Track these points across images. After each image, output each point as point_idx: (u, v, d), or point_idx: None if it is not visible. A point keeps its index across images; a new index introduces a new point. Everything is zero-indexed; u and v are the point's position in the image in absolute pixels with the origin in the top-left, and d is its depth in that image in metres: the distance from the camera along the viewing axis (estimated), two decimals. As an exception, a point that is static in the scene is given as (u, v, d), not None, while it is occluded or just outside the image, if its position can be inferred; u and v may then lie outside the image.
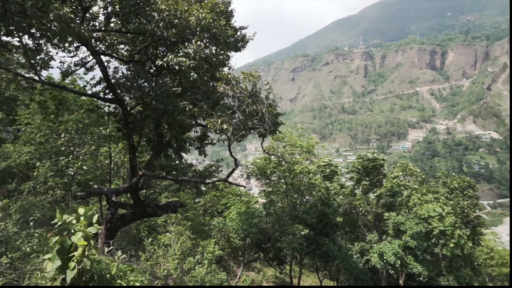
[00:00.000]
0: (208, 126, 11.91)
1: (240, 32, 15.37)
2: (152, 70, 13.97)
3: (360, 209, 26.49)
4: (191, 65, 11.22)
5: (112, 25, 12.88)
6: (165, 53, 12.92)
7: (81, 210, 4.69)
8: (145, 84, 12.66)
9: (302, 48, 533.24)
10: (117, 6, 11.68)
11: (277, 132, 17.37)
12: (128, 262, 6.49)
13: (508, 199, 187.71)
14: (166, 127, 14.72)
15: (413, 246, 20.75)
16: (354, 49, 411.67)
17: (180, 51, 11.50)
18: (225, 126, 11.59)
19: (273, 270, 25.88)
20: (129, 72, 13.35)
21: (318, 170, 24.82)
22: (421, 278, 21.32)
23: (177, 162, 16.96)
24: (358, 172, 24.09)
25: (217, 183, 25.07)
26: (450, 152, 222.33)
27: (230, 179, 16.54)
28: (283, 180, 22.78)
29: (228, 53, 14.26)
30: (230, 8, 14.33)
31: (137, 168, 13.98)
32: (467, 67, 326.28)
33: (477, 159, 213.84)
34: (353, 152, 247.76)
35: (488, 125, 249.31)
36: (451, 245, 23.39)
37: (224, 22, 12.69)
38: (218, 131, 12.68)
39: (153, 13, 11.79)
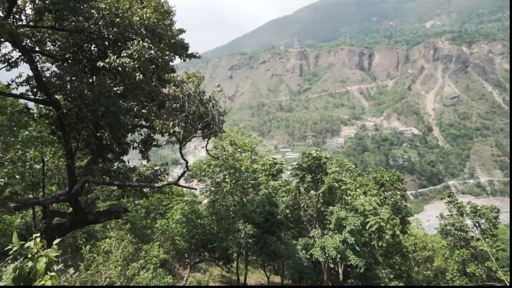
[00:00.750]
0: (158, 129, 11.31)
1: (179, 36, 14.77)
2: (87, 70, 12.84)
3: (302, 205, 27.19)
4: (136, 65, 10.52)
5: (44, 21, 11.73)
6: (104, 53, 12.02)
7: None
8: (82, 84, 11.52)
9: (239, 46, 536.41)
10: (47, 1, 10.61)
11: (223, 132, 17.05)
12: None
13: (428, 188, 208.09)
14: (107, 129, 13.59)
15: (352, 242, 21.74)
16: (289, 48, 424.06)
17: (123, 51, 10.73)
18: (177, 129, 11.11)
19: (219, 269, 25.55)
20: (62, 71, 12.12)
21: (263, 168, 24.95)
22: (358, 270, 22.49)
23: (119, 166, 15.79)
24: (302, 170, 24.66)
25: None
26: (378, 147, 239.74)
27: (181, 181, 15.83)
28: (228, 179, 22.48)
29: (172, 54, 13.69)
30: (172, 8, 13.75)
31: (75, 174, 12.74)
32: (391, 69, 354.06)
33: (401, 153, 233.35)
34: (290, 148, 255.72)
35: (410, 121, 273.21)
36: (387, 237, 24.85)
37: (169, 22, 12.20)
38: (168, 134, 12.03)
39: (91, 11, 10.85)
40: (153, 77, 12.15)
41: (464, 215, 30.36)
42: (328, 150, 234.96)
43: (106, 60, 10.70)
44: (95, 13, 11.03)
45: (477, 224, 29.67)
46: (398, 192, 30.38)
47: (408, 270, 31.32)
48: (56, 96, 12.69)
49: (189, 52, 14.71)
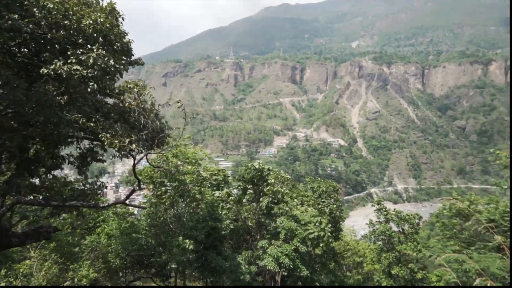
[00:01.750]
0: (106, 144, 10.39)
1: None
2: (21, 74, 11.47)
3: (242, 216, 27.19)
4: (89, 74, 9.66)
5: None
6: (41, 57, 10.85)
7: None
8: (17, 90, 10.18)
9: (174, 54, 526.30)
10: None
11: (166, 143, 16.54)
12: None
13: (353, 196, 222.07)
14: (38, 141, 12.12)
15: (304, 251, 22.30)
16: (225, 59, 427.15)
17: (72, 57, 9.80)
18: (134, 147, 10.36)
19: (156, 285, 24.36)
20: None
21: (209, 179, 24.62)
22: (303, 277, 23.03)
23: (50, 180, 14.10)
24: (244, 181, 24.75)
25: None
26: (308, 157, 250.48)
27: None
28: (170, 190, 21.65)
29: (124, 63, 12.91)
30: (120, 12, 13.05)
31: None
32: (321, 83, 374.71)
33: (329, 163, 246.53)
34: (224, 157, 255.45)
35: (337, 133, 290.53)
36: (322, 245, 25.87)
37: (122, 28, 11.52)
38: (117, 150, 11.05)
39: (33, 9, 9.80)
40: (106, 86, 11.23)
41: (390, 221, 32.73)
42: (261, 160, 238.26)
43: (51, 67, 9.62)
44: (37, 12, 10.01)
45: (401, 229, 32.14)
46: (336, 203, 31.93)
47: (342, 276, 32.85)
48: None
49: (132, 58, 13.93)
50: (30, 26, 10.44)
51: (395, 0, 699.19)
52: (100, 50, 10.37)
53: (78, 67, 9.94)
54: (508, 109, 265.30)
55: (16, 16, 10.32)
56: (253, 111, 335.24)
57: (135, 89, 13.71)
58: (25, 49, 12.08)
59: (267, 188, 25.00)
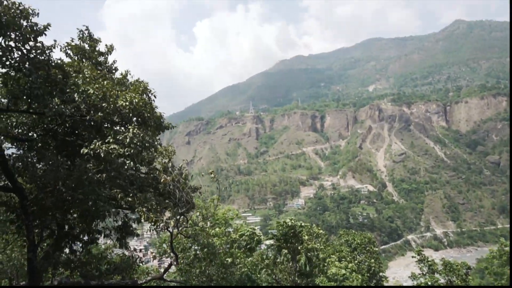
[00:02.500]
0: (145, 219, 10.22)
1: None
2: (61, 154, 11.78)
3: (277, 278, 25.53)
4: (126, 153, 9.86)
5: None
6: (82, 136, 11.28)
7: None
8: (59, 169, 10.40)
9: (196, 112, 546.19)
10: (21, 84, 10.04)
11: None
12: None
13: (389, 245, 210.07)
14: (76, 216, 12.12)
15: None
16: (245, 113, 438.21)
17: (109, 137, 10.16)
18: (172, 223, 10.19)
19: None
20: (27, 154, 11.00)
21: (239, 240, 23.51)
22: None
23: (86, 255, 13.90)
24: (277, 240, 23.51)
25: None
26: (338, 205, 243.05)
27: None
28: (199, 256, 20.74)
29: (159, 138, 13.36)
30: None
31: (37, 270, 10.86)
32: (342, 129, 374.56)
33: (360, 211, 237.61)
34: (252, 212, 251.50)
35: (364, 179, 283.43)
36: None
37: (154, 105, 11.98)
38: (154, 223, 10.94)
39: (74, 95, 10.33)
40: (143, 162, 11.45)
41: (435, 273, 29.97)
42: (289, 212, 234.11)
43: (91, 146, 10.01)
44: (77, 97, 10.45)
45: (449, 282, 29.27)
46: (373, 257, 29.79)
47: None
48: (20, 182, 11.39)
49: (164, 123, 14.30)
50: (70, 109, 10.77)
51: (405, 42, 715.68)
52: (135, 129, 10.62)
53: (116, 146, 10.20)
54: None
55: (58, 100, 10.75)
56: (277, 162, 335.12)
57: (165, 154, 13.67)
58: (65, 129, 12.44)
59: (301, 246, 23.61)
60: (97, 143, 10.20)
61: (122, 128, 10.62)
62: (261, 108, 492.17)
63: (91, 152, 10.11)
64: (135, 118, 11.54)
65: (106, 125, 11.18)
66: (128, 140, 10.00)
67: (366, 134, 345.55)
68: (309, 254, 23.48)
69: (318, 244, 28.92)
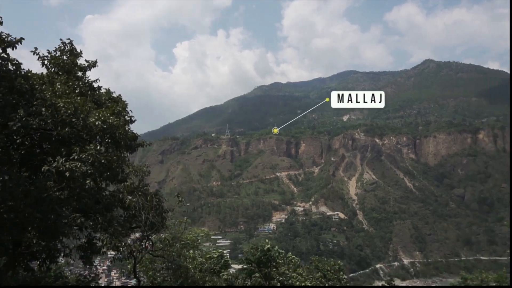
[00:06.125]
0: (107, 246, 9.93)
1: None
2: (21, 168, 11.31)
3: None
4: (89, 171, 9.60)
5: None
6: (50, 151, 10.90)
7: None
8: (17, 185, 9.93)
9: (171, 132, 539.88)
10: None
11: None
12: None
13: (358, 273, 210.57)
14: (34, 234, 11.53)
15: None
16: (221, 135, 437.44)
17: (74, 154, 9.85)
18: (136, 247, 9.97)
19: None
20: None
21: (206, 263, 23.01)
22: None
23: (42, 274, 13.12)
24: (249, 263, 23.18)
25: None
26: (309, 232, 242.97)
27: None
28: (168, 279, 20.07)
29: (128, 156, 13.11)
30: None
31: None
32: (316, 156, 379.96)
33: (330, 238, 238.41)
34: (222, 235, 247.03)
35: (336, 206, 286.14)
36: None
37: (127, 126, 11.87)
38: (117, 250, 10.62)
39: (41, 108, 10.07)
40: (105, 182, 11.11)
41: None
42: (260, 236, 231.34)
43: (54, 165, 9.63)
44: (44, 110, 10.14)
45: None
46: (339, 283, 29.92)
47: None
48: None
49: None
50: (36, 122, 10.46)
51: (379, 76, 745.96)
52: (99, 147, 10.41)
53: (78, 164, 9.84)
54: (505, 175, 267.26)
55: (22, 112, 10.39)
56: (250, 186, 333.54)
57: (139, 173, 13.43)
58: (30, 142, 12.03)
59: (274, 271, 23.37)
60: (61, 160, 9.82)
61: (91, 145, 10.31)
62: (237, 131, 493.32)
63: (53, 169, 9.70)
64: (106, 136, 11.30)
65: (73, 141, 10.85)
66: (91, 158, 9.73)
67: (339, 162, 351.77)
68: (281, 278, 23.29)
69: (291, 270, 28.78)
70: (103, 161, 10.10)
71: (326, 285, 30.74)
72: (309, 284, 29.77)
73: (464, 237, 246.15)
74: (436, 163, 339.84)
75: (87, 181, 9.78)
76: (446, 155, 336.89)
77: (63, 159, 9.73)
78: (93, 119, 10.43)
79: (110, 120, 10.79)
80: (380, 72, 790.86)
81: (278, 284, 22.77)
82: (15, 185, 10.17)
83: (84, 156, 9.93)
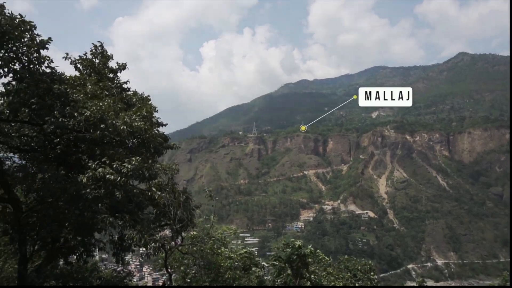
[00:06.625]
0: (137, 242, 10.26)
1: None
2: (59, 166, 11.86)
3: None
4: (122, 182, 9.97)
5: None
6: (83, 148, 11.40)
7: None
8: (56, 182, 10.41)
9: (199, 130, 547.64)
10: (21, 95, 10.28)
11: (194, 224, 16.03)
12: None
13: (389, 273, 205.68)
14: (70, 229, 12.05)
15: None
16: (248, 134, 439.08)
17: (105, 158, 10.24)
18: (167, 241, 10.22)
19: None
20: (28, 164, 11.09)
21: (236, 259, 23.19)
22: None
23: (78, 269, 13.76)
24: (280, 261, 23.11)
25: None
26: (337, 230, 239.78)
27: None
28: (199, 274, 20.35)
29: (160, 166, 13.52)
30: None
31: (27, 284, 10.75)
32: (344, 154, 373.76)
33: (360, 237, 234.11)
34: (250, 233, 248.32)
35: (365, 205, 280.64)
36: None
37: (156, 131, 12.18)
38: (145, 246, 10.95)
39: (74, 112, 10.51)
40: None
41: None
42: (288, 235, 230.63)
43: (91, 174, 10.13)
44: (76, 114, 10.62)
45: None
46: (370, 283, 29.31)
47: None
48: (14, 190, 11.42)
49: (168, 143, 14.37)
50: (71, 124, 10.87)
51: (410, 71, 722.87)
52: (134, 161, 10.61)
53: (110, 173, 10.03)
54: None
55: (58, 113, 10.85)
56: (277, 184, 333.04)
57: (168, 171, 13.72)
58: (66, 142, 12.55)
59: (305, 270, 23.18)
60: (99, 170, 10.20)
61: (121, 149, 10.69)
62: (264, 129, 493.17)
63: (90, 177, 10.09)
64: (134, 140, 11.62)
65: (106, 142, 11.24)
66: (124, 170, 10.07)
67: (368, 160, 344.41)
68: (312, 277, 23.10)
69: (321, 269, 28.54)
70: (136, 173, 10.44)
71: (357, 284, 30.25)
72: (340, 285, 29.38)
73: (503, 237, 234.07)
74: (472, 160, 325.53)
75: (117, 194, 10.13)
76: (482, 152, 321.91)
77: (96, 163, 10.08)
78: (120, 123, 10.71)
79: (135, 124, 11.03)
80: (411, 67, 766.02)
81: (308, 283, 22.58)
82: (54, 183, 10.66)
83: (116, 166, 10.22)
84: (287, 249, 22.70)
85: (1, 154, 12.23)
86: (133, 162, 10.27)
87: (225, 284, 20.86)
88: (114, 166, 10.11)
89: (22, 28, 9.61)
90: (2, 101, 10.67)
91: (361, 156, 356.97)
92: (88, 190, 10.53)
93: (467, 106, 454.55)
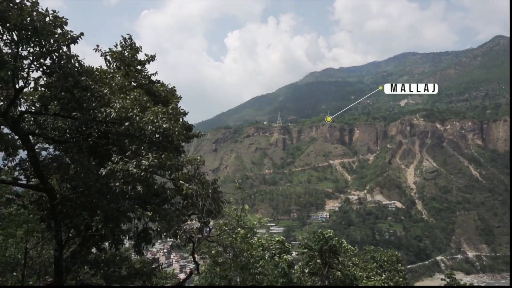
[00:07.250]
0: (165, 231, 10.50)
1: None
2: (90, 156, 12.36)
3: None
4: (142, 177, 10.21)
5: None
6: (112, 142, 11.79)
7: None
8: (88, 172, 10.83)
9: (224, 121, 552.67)
10: (52, 89, 10.68)
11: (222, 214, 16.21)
12: None
13: (417, 264, 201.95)
14: (100, 218, 12.56)
15: None
16: (273, 123, 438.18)
17: (129, 152, 10.46)
18: (195, 231, 10.39)
19: None
20: (62, 153, 11.59)
21: (268, 247, 23.44)
22: None
23: (110, 256, 14.34)
24: (309, 249, 23.16)
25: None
26: (363, 221, 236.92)
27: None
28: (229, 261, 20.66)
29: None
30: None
31: (63, 269, 11.31)
32: (371, 143, 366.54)
33: (386, 227, 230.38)
34: (275, 223, 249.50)
35: (392, 195, 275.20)
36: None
37: (181, 128, 12.32)
38: (174, 236, 11.21)
39: (100, 109, 10.80)
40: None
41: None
42: (313, 224, 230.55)
43: (110, 167, 10.40)
44: (103, 110, 10.98)
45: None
46: (397, 274, 28.83)
47: None
48: (50, 180, 12.01)
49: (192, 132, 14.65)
50: (100, 116, 11.19)
51: (441, 57, 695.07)
52: (151, 158, 10.51)
53: (133, 168, 10.33)
54: None
55: (86, 106, 11.21)
56: (302, 174, 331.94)
57: (194, 163, 13.88)
58: (97, 133, 13.02)
59: (335, 261, 23.12)
60: (120, 164, 10.44)
61: (145, 143, 10.93)
62: (289, 119, 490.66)
63: (109, 171, 10.37)
64: (158, 136, 11.78)
65: (132, 134, 11.55)
66: (143, 167, 10.26)
67: (396, 149, 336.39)
68: (340, 267, 23.08)
69: (347, 259, 28.41)
70: (157, 166, 10.62)
71: (383, 275, 29.89)
72: (365, 275, 29.11)
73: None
74: (507, 150, 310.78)
75: (138, 187, 10.41)
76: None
77: (119, 157, 10.43)
78: (144, 120, 10.91)
79: (159, 123, 11.19)
80: (442, 52, 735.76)
81: (338, 273, 22.52)
82: (86, 173, 11.05)
83: (135, 162, 10.42)
84: (319, 238, 22.65)
85: (38, 145, 12.82)
86: (150, 160, 10.50)
87: (256, 271, 21.05)
88: (134, 162, 10.35)
89: (54, 24, 9.89)
90: (32, 96, 11.19)
91: (388, 145, 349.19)
92: (118, 184, 10.80)
93: (503, 93, 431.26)
